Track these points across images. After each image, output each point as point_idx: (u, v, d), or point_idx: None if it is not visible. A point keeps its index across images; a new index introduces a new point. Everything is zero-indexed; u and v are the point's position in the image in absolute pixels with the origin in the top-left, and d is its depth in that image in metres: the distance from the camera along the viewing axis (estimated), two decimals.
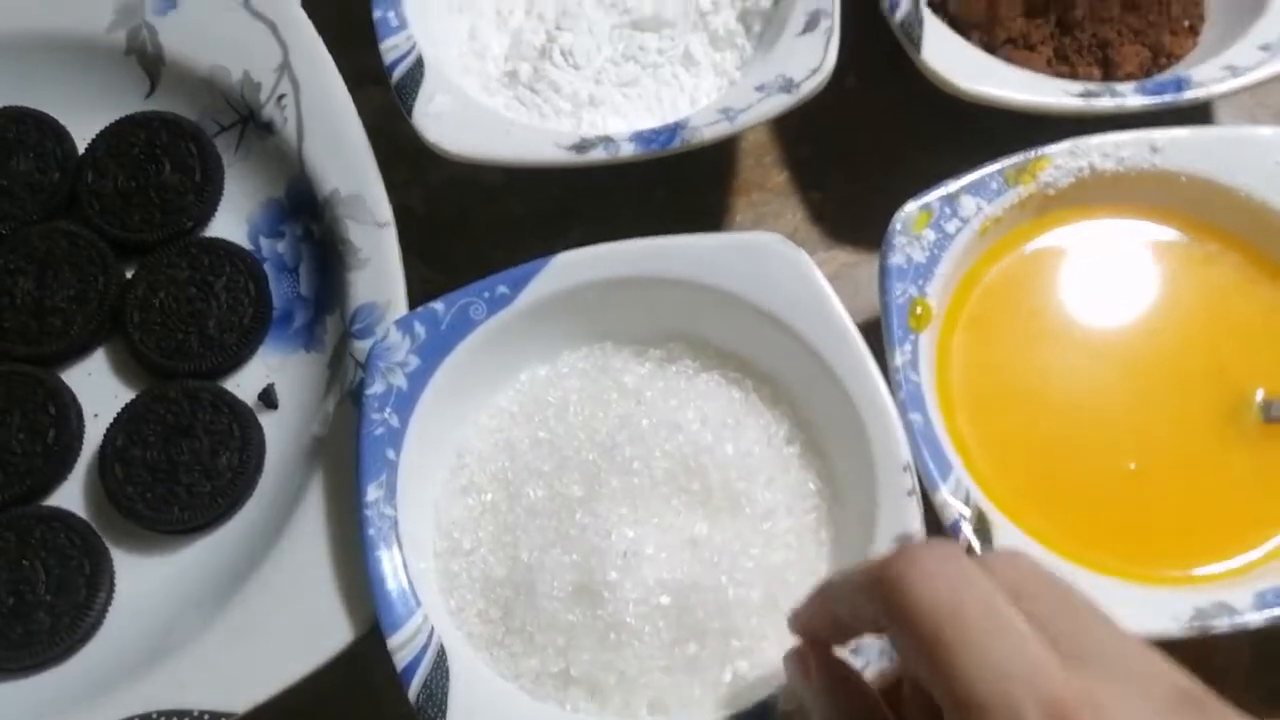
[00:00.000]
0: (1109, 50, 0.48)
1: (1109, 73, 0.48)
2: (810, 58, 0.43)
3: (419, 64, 0.44)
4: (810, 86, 0.43)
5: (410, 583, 0.38)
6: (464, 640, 0.38)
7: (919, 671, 0.25)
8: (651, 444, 0.39)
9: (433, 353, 0.40)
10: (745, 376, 0.42)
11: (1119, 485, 0.41)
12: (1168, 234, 0.44)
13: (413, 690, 0.35)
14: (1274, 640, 0.41)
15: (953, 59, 0.44)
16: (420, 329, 0.40)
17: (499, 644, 0.38)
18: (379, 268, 0.43)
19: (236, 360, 0.46)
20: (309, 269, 0.46)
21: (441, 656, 0.36)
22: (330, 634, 0.39)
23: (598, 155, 0.42)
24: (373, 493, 0.38)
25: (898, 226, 0.41)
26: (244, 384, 0.46)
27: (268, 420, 0.45)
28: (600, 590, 0.37)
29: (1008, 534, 0.38)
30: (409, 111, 0.43)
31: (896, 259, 0.41)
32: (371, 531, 0.38)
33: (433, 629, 0.37)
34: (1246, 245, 0.44)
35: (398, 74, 0.44)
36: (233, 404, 0.44)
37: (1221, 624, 0.36)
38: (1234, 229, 0.44)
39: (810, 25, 0.44)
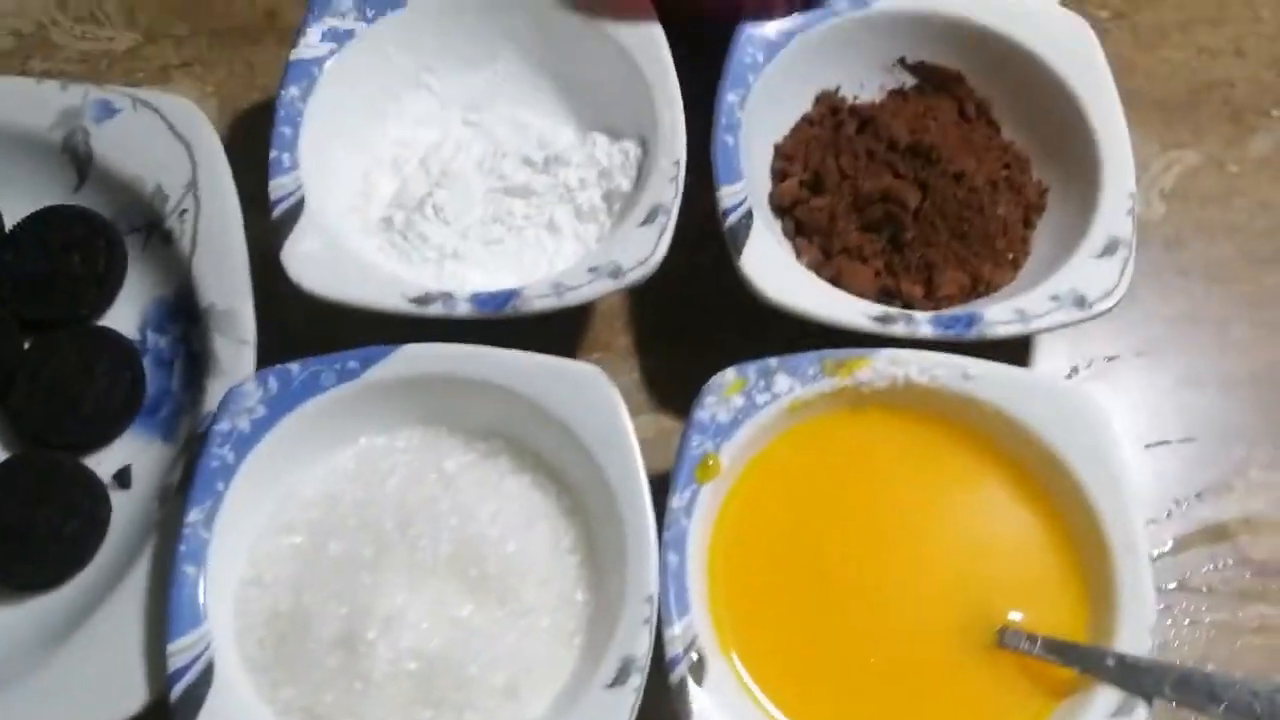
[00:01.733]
0: (933, 272, 0.52)
1: (930, 292, 0.52)
2: (642, 249, 0.49)
3: (299, 205, 0.50)
4: (636, 275, 0.48)
5: (204, 600, 0.43)
6: (239, 661, 0.43)
7: None
8: (443, 526, 0.45)
9: (279, 406, 0.46)
10: (552, 484, 0.48)
11: (853, 673, 0.45)
12: (963, 453, 0.49)
13: (174, 693, 0.41)
14: None
15: (768, 269, 0.49)
16: (274, 384, 0.47)
17: (266, 670, 0.44)
18: (234, 380, 0.48)
19: (103, 439, 0.51)
20: (181, 368, 0.52)
21: (209, 670, 0.42)
22: (131, 695, 0.44)
23: (435, 310, 0.48)
24: (195, 515, 0.44)
25: (711, 387, 0.47)
26: (105, 461, 0.51)
27: (119, 498, 0.50)
28: (358, 644, 0.42)
29: (721, 682, 0.42)
30: (279, 249, 0.48)
31: (702, 415, 0.47)
32: (184, 548, 0.44)
33: (210, 645, 0.42)
34: (1032, 483, 0.48)
35: (277, 213, 0.50)
36: (89, 479, 0.49)
37: None
38: (1025, 463, 0.48)
39: (650, 218, 0.49)
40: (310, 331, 0.49)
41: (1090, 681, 0.43)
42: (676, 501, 0.45)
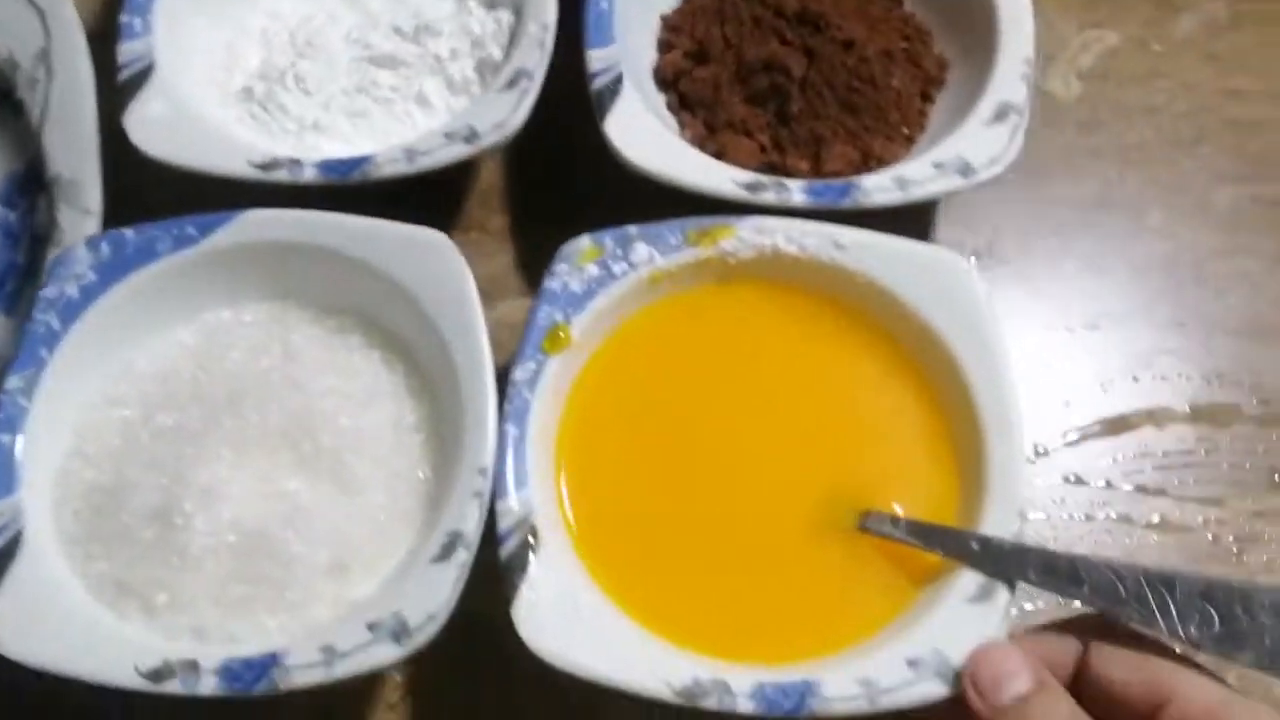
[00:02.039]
0: (821, 147, 0.49)
1: (817, 168, 0.49)
2: (501, 113, 0.46)
3: (148, 70, 0.48)
4: (493, 139, 0.46)
5: (16, 469, 0.41)
6: (54, 533, 0.41)
7: None
8: (274, 399, 0.43)
9: (111, 272, 0.44)
10: (400, 362, 0.45)
11: (703, 557, 0.42)
12: (835, 329, 0.46)
13: None
14: None
15: (634, 135, 0.46)
16: (106, 249, 0.44)
17: (79, 543, 0.41)
18: None
19: None
20: (27, 241, 0.49)
21: (16, 541, 0.40)
22: None
23: (281, 176, 0.45)
24: (14, 382, 0.42)
25: (564, 254, 0.44)
26: None
27: None
28: (174, 517, 0.40)
29: (553, 556, 0.40)
30: (123, 113, 0.45)
31: (553, 284, 0.44)
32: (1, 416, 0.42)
33: (20, 515, 0.40)
34: (906, 359, 0.45)
35: (124, 76, 0.47)
36: None
37: (710, 701, 0.37)
38: (897, 334, 0.45)
39: (513, 82, 0.46)
40: (170, 210, 0.46)
41: (954, 567, 0.40)
42: (520, 373, 0.42)
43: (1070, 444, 0.49)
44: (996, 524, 0.41)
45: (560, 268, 0.44)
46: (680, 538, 0.42)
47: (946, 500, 0.42)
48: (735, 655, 0.39)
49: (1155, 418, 0.50)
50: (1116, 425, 0.50)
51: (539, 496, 0.41)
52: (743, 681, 0.38)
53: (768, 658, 0.39)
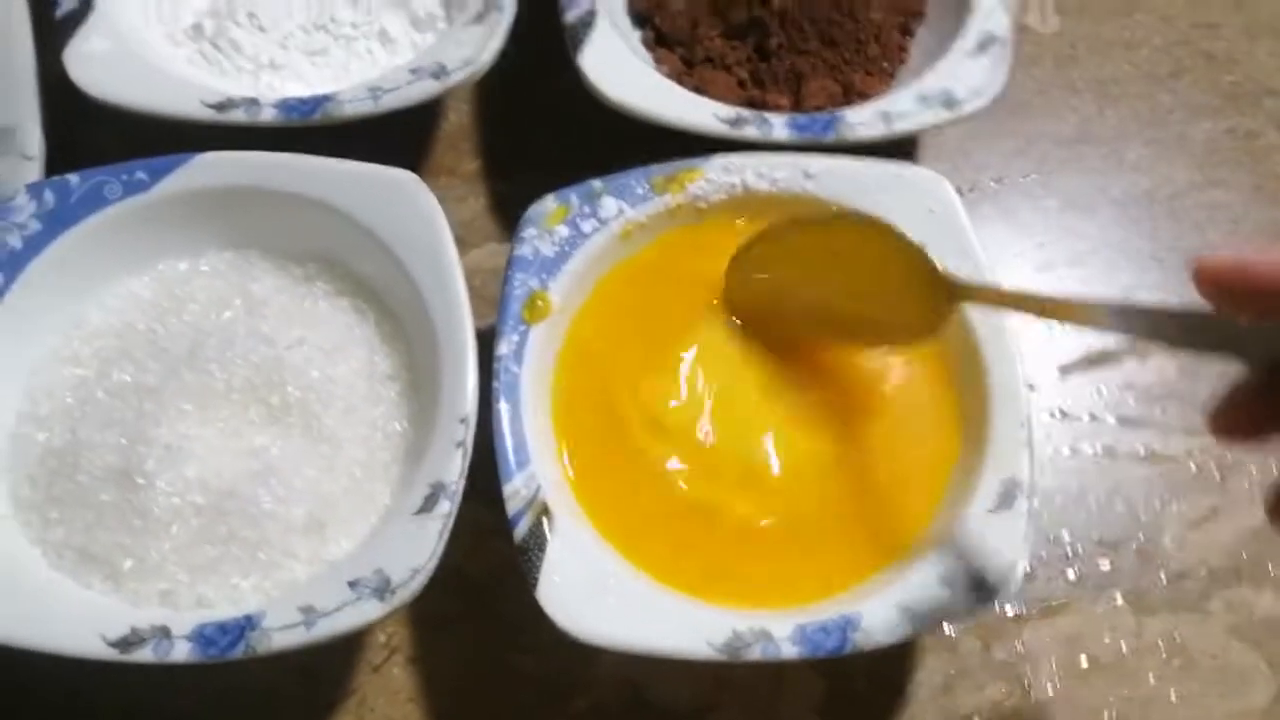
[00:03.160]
0: (802, 82, 0.48)
1: (798, 103, 0.47)
2: (469, 48, 0.43)
3: (88, 5, 0.44)
4: (461, 76, 0.43)
5: None
6: (8, 501, 0.39)
7: None
8: (238, 351, 0.40)
9: (57, 221, 0.41)
10: (371, 309, 0.43)
11: (713, 506, 0.40)
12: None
13: None
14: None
15: (609, 70, 0.44)
16: (50, 197, 0.41)
17: (35, 509, 0.39)
18: None
19: None
20: None
21: None
22: None
23: (237, 116, 0.42)
24: None
25: (530, 218, 0.42)
26: None
27: None
28: (135, 476, 0.38)
29: (568, 532, 0.38)
30: (62, 50, 0.42)
31: (523, 250, 0.42)
32: None
33: None
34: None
35: (62, 10, 0.44)
36: None
37: (754, 653, 0.35)
38: None
39: (481, 16, 0.44)
40: (116, 157, 0.43)
41: (968, 475, 0.39)
42: (504, 347, 0.40)
43: (1056, 379, 0.48)
44: (1002, 451, 0.39)
45: (529, 232, 0.42)
46: (692, 493, 0.40)
47: (946, 425, 0.41)
48: (769, 603, 0.38)
49: (1138, 351, 0.49)
50: (1100, 359, 0.49)
51: (544, 473, 0.39)
52: (783, 627, 0.36)
53: (802, 599, 0.38)
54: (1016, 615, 0.43)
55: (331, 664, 0.41)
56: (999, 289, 0.39)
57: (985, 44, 0.46)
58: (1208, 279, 0.29)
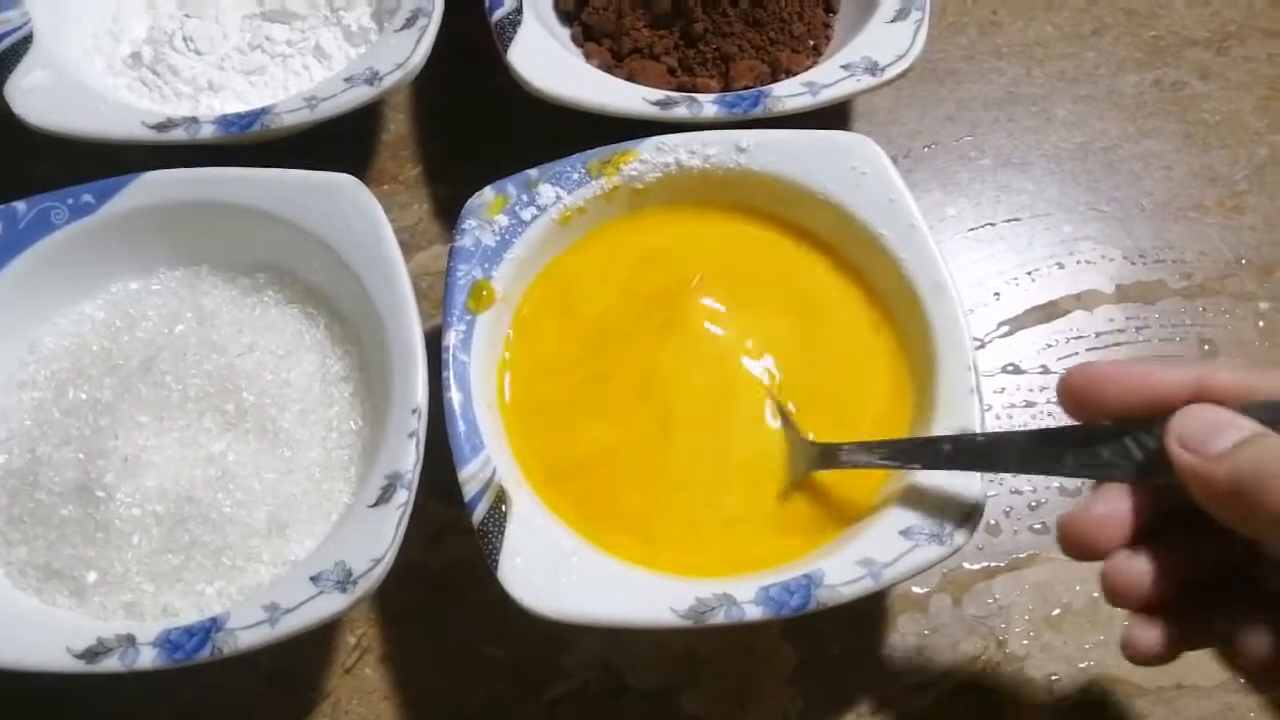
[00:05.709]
0: (729, 64, 0.48)
1: (727, 85, 0.48)
2: (400, 52, 0.43)
3: (27, 40, 0.45)
4: (394, 79, 0.43)
5: None
6: None
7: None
8: (191, 362, 0.40)
9: (6, 248, 0.41)
10: (321, 313, 0.43)
11: (666, 480, 0.40)
12: (751, 237, 0.44)
13: None
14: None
15: (539, 63, 0.44)
16: None
17: None
18: None
19: None
20: None
21: None
22: None
23: (178, 135, 0.43)
24: None
25: (470, 209, 0.42)
26: None
27: None
28: (95, 490, 0.37)
29: (527, 514, 0.37)
30: (2, 84, 0.42)
31: (464, 241, 0.42)
32: None
33: None
34: (831, 247, 0.44)
35: (2, 47, 0.43)
36: None
37: (718, 616, 0.35)
38: (816, 229, 0.44)
39: (410, 22, 0.44)
40: (60, 185, 0.42)
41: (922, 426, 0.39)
42: (452, 338, 0.40)
43: (1005, 334, 0.48)
44: (949, 384, 0.39)
45: (469, 223, 0.42)
46: (644, 470, 0.40)
47: (896, 381, 0.41)
48: (731, 570, 0.38)
49: (1084, 301, 0.49)
50: (1047, 312, 0.49)
51: (497, 457, 0.38)
52: (745, 590, 0.36)
53: (763, 563, 0.38)
54: (986, 569, 0.43)
55: (302, 668, 0.41)
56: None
57: (904, 11, 0.46)
58: (1067, 394, 0.33)
